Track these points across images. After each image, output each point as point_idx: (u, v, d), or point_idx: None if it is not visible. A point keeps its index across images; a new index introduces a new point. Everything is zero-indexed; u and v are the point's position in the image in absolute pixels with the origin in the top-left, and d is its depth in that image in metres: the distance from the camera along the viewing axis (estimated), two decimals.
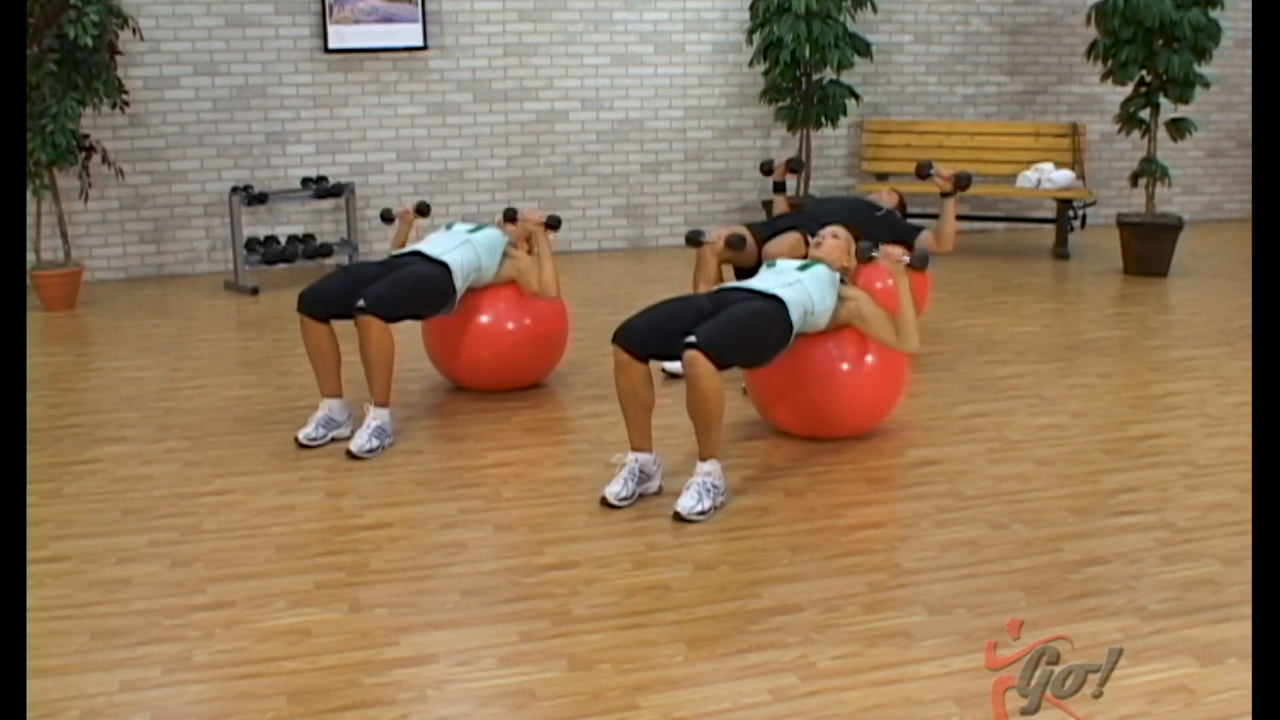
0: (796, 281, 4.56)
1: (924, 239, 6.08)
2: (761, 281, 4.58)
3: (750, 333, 4.25)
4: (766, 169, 6.36)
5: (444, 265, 5.12)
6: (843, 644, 3.28)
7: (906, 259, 4.62)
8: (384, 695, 3.04)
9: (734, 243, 4.83)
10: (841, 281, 4.75)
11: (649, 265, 8.70)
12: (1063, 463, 4.68)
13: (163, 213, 8.36)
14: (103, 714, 2.97)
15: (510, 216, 5.54)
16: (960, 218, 9.53)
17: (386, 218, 5.75)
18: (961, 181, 5.84)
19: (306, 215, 8.64)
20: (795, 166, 6.41)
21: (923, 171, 5.89)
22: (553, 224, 5.45)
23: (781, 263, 4.76)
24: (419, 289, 4.98)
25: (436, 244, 5.25)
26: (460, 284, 5.18)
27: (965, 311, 7.21)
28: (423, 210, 5.72)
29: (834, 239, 4.95)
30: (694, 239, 5.00)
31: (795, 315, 4.44)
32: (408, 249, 5.27)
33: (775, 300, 4.42)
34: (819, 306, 4.58)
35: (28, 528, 4.08)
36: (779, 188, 6.50)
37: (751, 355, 4.31)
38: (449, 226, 5.49)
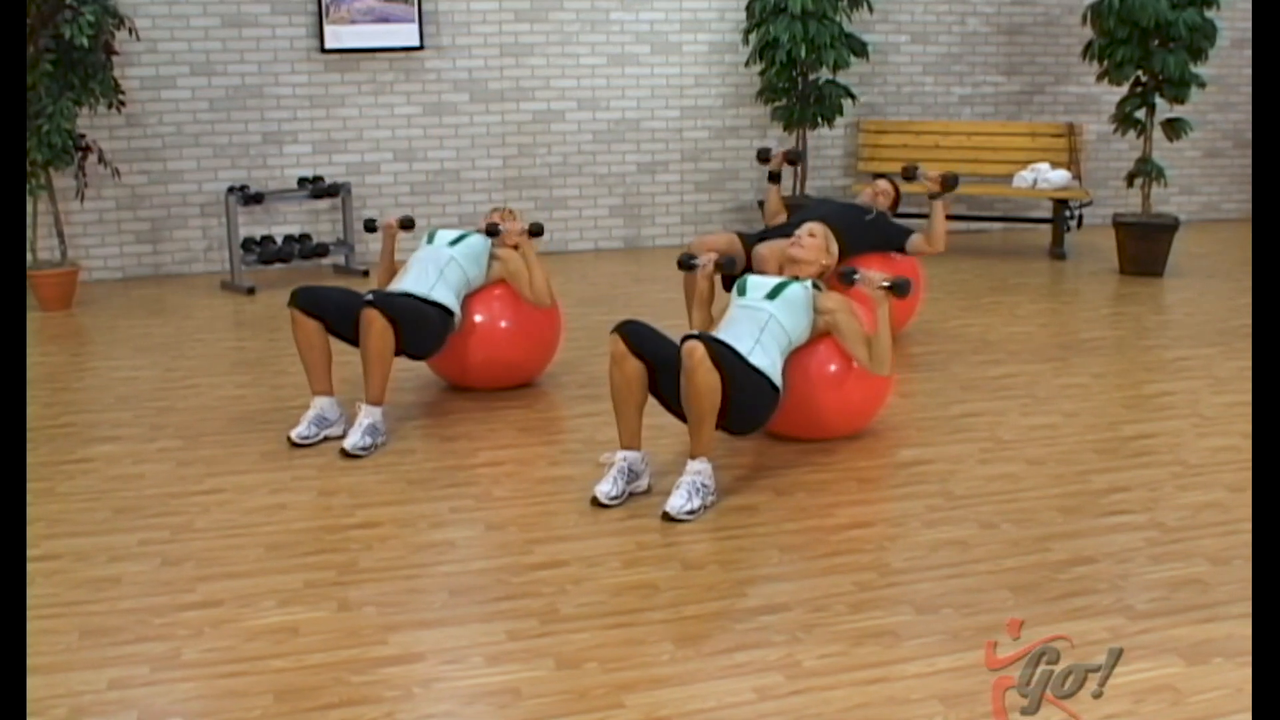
0: (769, 320, 4.48)
1: (914, 241, 6.11)
2: (734, 334, 4.47)
3: (742, 382, 4.26)
4: (763, 157, 6.37)
5: (436, 304, 5.12)
6: (829, 643, 3.29)
7: (887, 284, 4.60)
8: (370, 693, 3.05)
9: (725, 266, 4.80)
10: (817, 287, 4.71)
11: (645, 265, 8.71)
12: (1054, 462, 4.69)
13: (159, 212, 8.37)
14: (90, 712, 2.98)
15: (492, 232, 5.45)
16: (957, 217, 9.58)
17: (370, 227, 5.67)
18: (949, 183, 5.89)
19: (303, 215, 8.65)
20: (793, 158, 6.41)
21: (909, 174, 5.94)
22: (535, 232, 5.42)
23: (751, 284, 4.67)
24: (420, 317, 4.98)
25: (420, 278, 5.19)
26: (458, 308, 5.20)
27: (960, 311, 7.22)
28: (406, 224, 5.61)
29: (811, 237, 4.92)
30: (686, 264, 4.92)
31: (779, 379, 4.43)
32: (395, 289, 5.18)
33: (756, 374, 4.36)
34: (795, 333, 4.56)
35: None
36: (774, 178, 6.48)
37: (742, 411, 4.31)
38: (430, 239, 5.44)
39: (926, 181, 6.00)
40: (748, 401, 4.29)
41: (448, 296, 5.16)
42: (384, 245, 5.63)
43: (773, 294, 4.60)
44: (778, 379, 4.41)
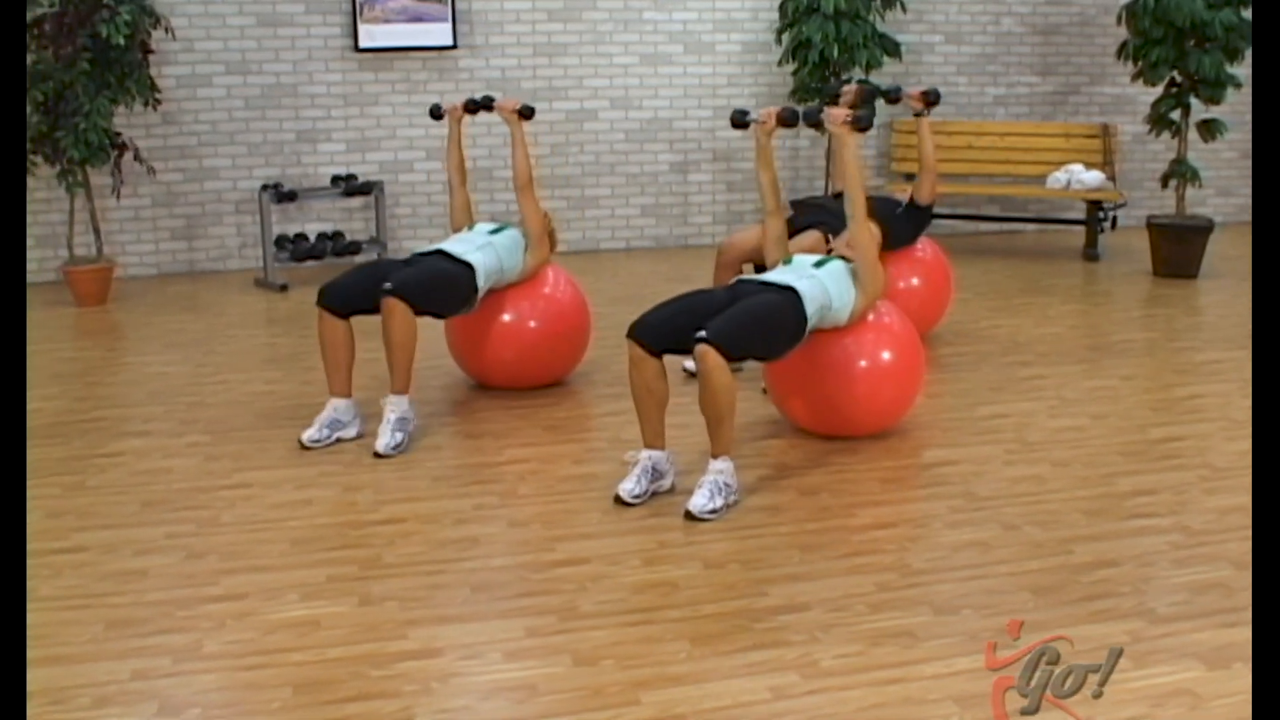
0: (812, 277, 4.55)
1: (917, 185, 6.25)
2: (778, 275, 4.58)
3: (762, 326, 4.26)
4: (834, 93, 6.40)
5: (468, 265, 5.15)
6: (847, 643, 3.29)
7: (849, 121, 4.59)
8: (389, 688, 3.08)
9: (787, 118, 4.67)
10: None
11: (677, 265, 8.71)
12: (1080, 465, 4.66)
13: (194, 210, 8.45)
14: (113, 702, 3.02)
15: (487, 104, 5.68)
16: (989, 218, 9.55)
17: (435, 114, 5.80)
18: (930, 97, 5.99)
19: (336, 213, 8.71)
20: (867, 96, 6.44)
21: (892, 97, 6.00)
22: (525, 113, 5.54)
23: (798, 258, 4.77)
24: (443, 284, 5.03)
25: (459, 244, 5.28)
26: (483, 284, 5.21)
27: (990, 312, 7.18)
28: (471, 108, 5.72)
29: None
30: (739, 120, 4.77)
31: (810, 309, 4.44)
32: (431, 248, 5.28)
33: (790, 292, 4.42)
34: (836, 303, 4.57)
35: (49, 519, 4.15)
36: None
37: (764, 348, 4.33)
38: (470, 227, 5.52)
39: (910, 101, 6.06)
40: (774, 316, 4.33)
41: (477, 260, 5.19)
42: (450, 132, 5.75)
43: (818, 264, 4.70)
44: (810, 310, 4.43)
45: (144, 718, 2.96)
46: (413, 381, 4.95)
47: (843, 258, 4.79)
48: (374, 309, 4.94)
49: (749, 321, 4.22)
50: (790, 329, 4.38)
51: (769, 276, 4.58)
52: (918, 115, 6.15)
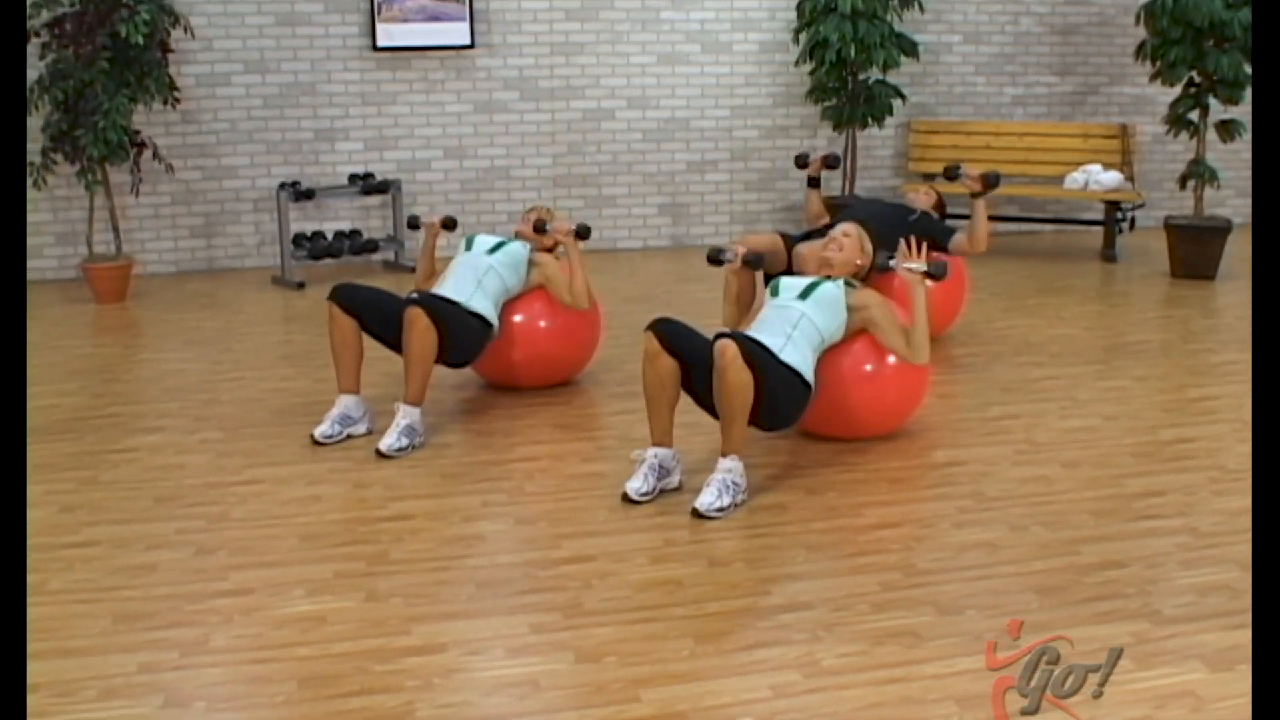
0: (800, 318, 4.51)
1: (957, 240, 6.10)
2: (767, 332, 4.50)
3: (772, 391, 4.27)
4: (801, 162, 6.38)
5: (475, 314, 5.13)
6: (849, 642, 3.30)
7: (923, 269, 4.61)
8: (392, 683, 3.10)
9: (751, 262, 4.85)
10: (850, 285, 4.71)
11: (692, 264, 8.72)
12: (1089, 465, 4.65)
13: (213, 208, 8.50)
14: (119, 694, 3.05)
15: (540, 228, 5.52)
16: (1008, 218, 9.51)
17: (413, 224, 5.74)
18: (990, 181, 5.88)
19: (354, 211, 8.75)
20: (832, 163, 6.38)
21: (950, 173, 5.93)
22: (582, 233, 5.36)
23: (784, 285, 4.71)
24: (462, 323, 5.02)
25: (459, 285, 5.19)
26: (496, 318, 5.22)
27: (1004, 313, 7.17)
28: (448, 224, 5.65)
29: (845, 238, 4.93)
30: (715, 258, 4.95)
31: (810, 375, 4.44)
32: (436, 293, 5.20)
33: (786, 369, 4.39)
34: (828, 331, 4.57)
35: (62, 514, 4.19)
36: (813, 183, 6.46)
37: (770, 415, 4.34)
38: (468, 245, 5.45)
39: (968, 181, 5.97)
40: (779, 398, 4.31)
41: (486, 306, 5.17)
42: (425, 243, 5.68)
43: (804, 293, 4.62)
44: (809, 375, 4.42)
45: (150, 710, 2.99)
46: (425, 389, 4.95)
47: (828, 277, 4.78)
48: (379, 333, 5.00)
49: (767, 361, 4.28)
50: (798, 403, 4.41)
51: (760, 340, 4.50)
52: (974, 196, 5.97)
